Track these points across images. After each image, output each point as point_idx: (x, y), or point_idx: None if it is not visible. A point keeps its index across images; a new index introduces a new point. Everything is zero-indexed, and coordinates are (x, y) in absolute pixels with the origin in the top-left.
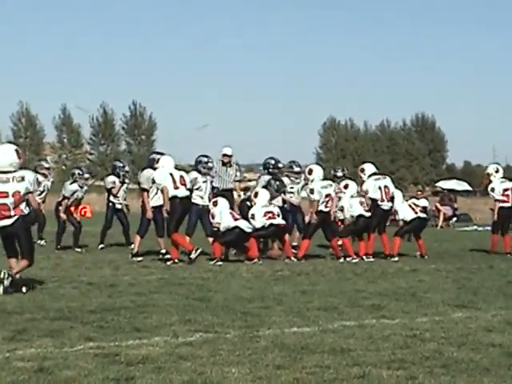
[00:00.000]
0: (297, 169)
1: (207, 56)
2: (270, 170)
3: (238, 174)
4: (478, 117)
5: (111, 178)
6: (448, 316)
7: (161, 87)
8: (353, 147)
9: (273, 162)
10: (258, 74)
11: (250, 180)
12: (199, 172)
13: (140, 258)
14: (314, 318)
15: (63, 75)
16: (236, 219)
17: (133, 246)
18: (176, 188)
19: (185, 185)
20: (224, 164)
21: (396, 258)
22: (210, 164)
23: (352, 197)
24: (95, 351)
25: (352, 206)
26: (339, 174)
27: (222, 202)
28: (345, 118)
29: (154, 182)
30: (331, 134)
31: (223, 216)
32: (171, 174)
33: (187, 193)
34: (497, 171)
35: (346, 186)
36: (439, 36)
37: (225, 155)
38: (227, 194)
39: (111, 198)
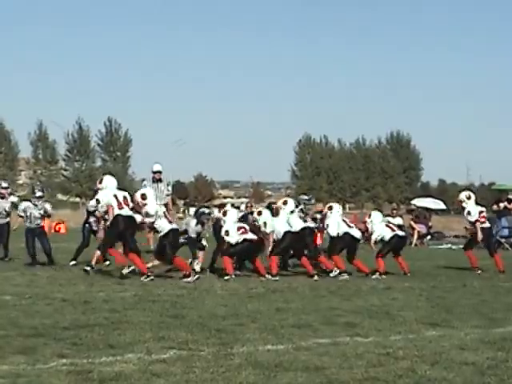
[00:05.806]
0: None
1: (183, 73)
2: (304, 207)
3: (170, 188)
4: (452, 135)
5: (95, 202)
6: (421, 334)
7: (136, 104)
8: (328, 164)
9: (306, 197)
10: (233, 91)
11: (225, 197)
12: (201, 224)
13: (88, 268)
14: (288, 336)
15: (38, 90)
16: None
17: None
18: (120, 208)
19: (128, 205)
20: (155, 181)
21: (374, 276)
22: (212, 215)
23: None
24: (68, 368)
25: (339, 225)
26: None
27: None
28: (320, 136)
29: (98, 202)
30: (306, 151)
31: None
32: (115, 196)
33: (130, 213)
34: (469, 198)
35: (330, 208)
36: (414, 55)
37: (156, 172)
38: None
39: (90, 220)
